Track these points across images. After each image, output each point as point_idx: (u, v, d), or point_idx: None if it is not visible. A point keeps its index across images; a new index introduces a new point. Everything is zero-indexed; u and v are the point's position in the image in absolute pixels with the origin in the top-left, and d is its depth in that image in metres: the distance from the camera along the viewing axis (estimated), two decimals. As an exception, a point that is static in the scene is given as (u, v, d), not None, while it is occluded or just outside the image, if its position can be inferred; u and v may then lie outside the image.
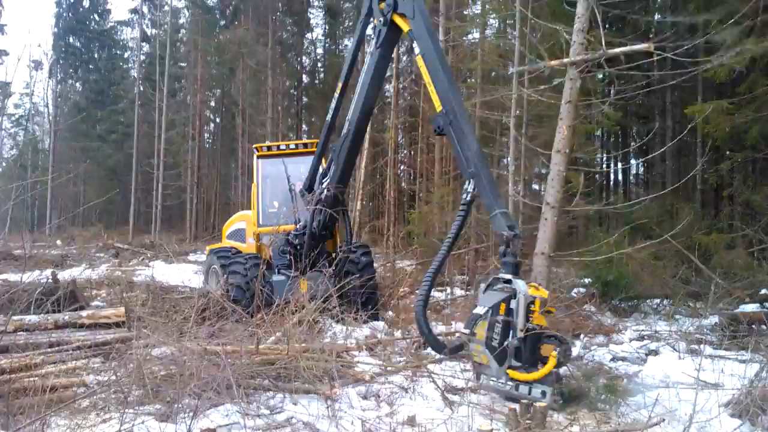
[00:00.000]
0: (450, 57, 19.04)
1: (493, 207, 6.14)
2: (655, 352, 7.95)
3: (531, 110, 14.53)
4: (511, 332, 5.34)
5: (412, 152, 28.71)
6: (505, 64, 19.37)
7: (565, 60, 8.56)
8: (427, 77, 7.26)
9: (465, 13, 23.19)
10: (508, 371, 5.27)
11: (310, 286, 9.49)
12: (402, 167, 30.11)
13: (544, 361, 5.33)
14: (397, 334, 8.58)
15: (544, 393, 5.09)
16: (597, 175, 28.87)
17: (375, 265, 11.22)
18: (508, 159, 15.58)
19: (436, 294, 11.53)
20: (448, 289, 11.73)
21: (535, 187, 26.26)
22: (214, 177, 39.15)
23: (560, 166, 8.23)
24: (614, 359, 7.70)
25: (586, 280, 11.61)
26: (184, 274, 13.58)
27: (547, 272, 8.09)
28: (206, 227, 36.71)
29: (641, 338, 8.89)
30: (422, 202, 21.61)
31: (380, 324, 9.10)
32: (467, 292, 11.86)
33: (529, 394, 5.17)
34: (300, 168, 11.39)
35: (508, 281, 5.53)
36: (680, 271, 11.40)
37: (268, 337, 7.21)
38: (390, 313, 10.00)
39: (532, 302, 5.39)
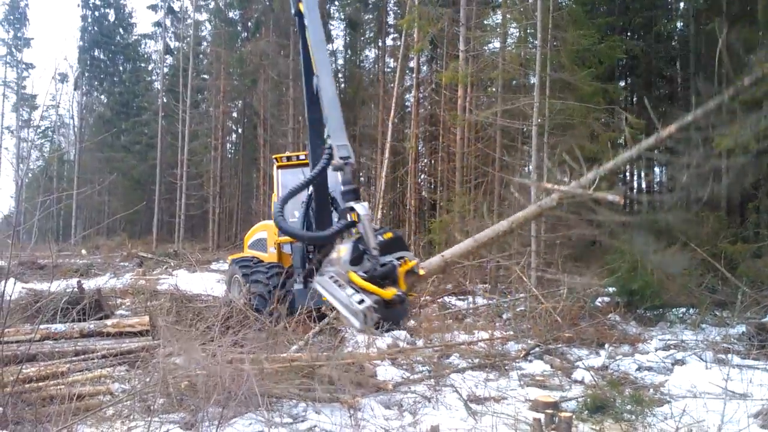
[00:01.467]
0: (470, 66, 19.05)
1: (333, 138, 5.90)
2: (682, 362, 7.82)
3: (553, 118, 14.44)
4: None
5: (433, 161, 28.70)
6: (525, 72, 19.33)
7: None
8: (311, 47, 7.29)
9: (485, 22, 23.19)
10: (350, 272, 5.02)
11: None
12: (422, 176, 30.10)
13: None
14: (419, 343, 8.54)
15: (362, 302, 4.76)
16: (620, 184, 28.65)
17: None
18: (530, 167, 15.50)
19: (457, 303, 11.47)
20: (470, 298, 11.65)
21: (558, 195, 26.11)
22: (236, 187, 39.45)
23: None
24: (640, 369, 7.60)
25: (611, 289, 11.47)
26: (207, 282, 13.67)
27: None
28: (228, 236, 36.96)
29: (667, 348, 8.75)
30: (443, 211, 21.54)
31: (402, 333, 9.07)
32: (489, 301, 11.78)
33: (349, 299, 4.82)
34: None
35: (351, 208, 5.33)
36: (706, 279, 11.21)
37: (290, 346, 7.23)
38: (411, 322, 9.96)
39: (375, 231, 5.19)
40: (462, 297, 11.89)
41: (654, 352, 8.38)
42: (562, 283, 10.74)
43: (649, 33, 25.07)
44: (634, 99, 27.38)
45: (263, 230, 11.91)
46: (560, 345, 8.56)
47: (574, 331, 8.90)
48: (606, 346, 8.61)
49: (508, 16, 20.33)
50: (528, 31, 20.18)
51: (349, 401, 5.49)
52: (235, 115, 40.78)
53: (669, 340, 9.20)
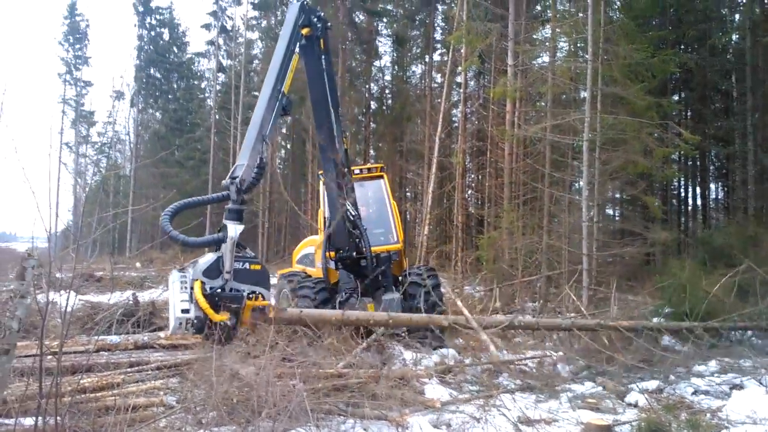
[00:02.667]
0: (519, 81, 18.91)
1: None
2: (740, 386, 7.50)
3: (605, 133, 14.17)
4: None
5: (480, 177, 28.51)
6: (576, 87, 19.07)
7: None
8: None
9: (534, 37, 23.02)
10: (197, 282, 5.19)
11: (377, 309, 9.54)
12: (470, 192, 29.91)
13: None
14: (467, 361, 8.43)
15: (186, 311, 5.05)
16: (674, 200, 27.86)
17: (443, 290, 11.12)
18: (581, 183, 15.23)
19: (501, 318, 11.29)
20: (519, 317, 11.45)
21: (609, 211, 25.58)
22: (284, 202, 40.02)
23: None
24: (696, 393, 7.31)
25: (665, 309, 11.10)
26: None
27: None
28: (277, 250, 37.46)
29: (724, 371, 8.39)
30: (491, 227, 21.34)
31: (449, 351, 8.97)
32: (539, 320, 11.54)
33: (179, 303, 5.09)
34: (367, 192, 11.50)
35: (223, 227, 5.61)
36: (766, 300, 10.73)
37: (338, 362, 7.23)
38: (459, 340, 9.84)
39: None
40: (509, 315, 11.69)
41: (711, 376, 8.06)
42: (613, 302, 10.47)
43: (703, 46, 24.46)
44: (689, 113, 26.68)
45: (311, 245, 12.01)
46: (613, 366, 8.30)
47: (627, 353, 8.63)
48: (661, 368, 8.31)
49: (558, 30, 20.14)
50: (578, 45, 19.94)
51: (396, 419, 5.45)
52: (284, 131, 41.46)
53: (726, 363, 8.82)
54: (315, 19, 7.91)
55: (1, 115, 3.67)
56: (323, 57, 8.39)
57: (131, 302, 9.48)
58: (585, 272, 12.66)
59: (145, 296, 11.85)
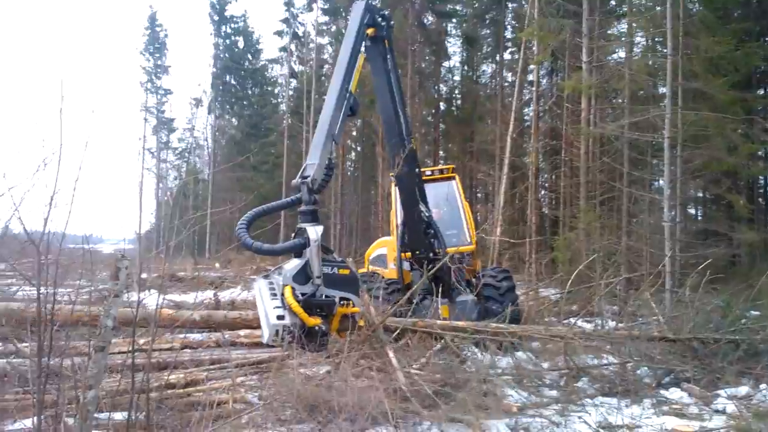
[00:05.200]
0: (594, 77, 18.42)
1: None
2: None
3: (686, 130, 13.58)
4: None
5: (554, 176, 27.91)
6: (654, 82, 18.43)
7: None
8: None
9: (609, 32, 22.36)
10: (287, 287, 4.91)
11: (452, 311, 9.48)
12: (543, 192, 29.32)
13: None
14: (545, 365, 8.24)
15: (281, 317, 4.72)
16: (761, 198, 26.34)
17: (517, 292, 10.94)
18: (662, 182, 14.68)
19: (584, 325, 10.97)
20: (599, 321, 11.10)
21: (691, 211, 24.48)
22: (355, 203, 40.47)
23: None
24: (789, 401, 6.88)
25: (754, 313, 10.49)
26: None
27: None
28: (349, 252, 37.89)
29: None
30: (567, 228, 20.84)
31: (525, 354, 8.79)
32: (619, 323, 11.18)
33: (271, 310, 4.79)
34: (438, 194, 11.47)
35: (303, 230, 5.26)
36: None
37: (413, 363, 7.23)
38: (536, 343, 9.64)
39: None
40: (589, 319, 11.34)
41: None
42: (698, 305, 9.98)
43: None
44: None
45: (383, 246, 12.07)
46: (698, 372, 7.92)
47: (712, 358, 8.21)
48: (750, 373, 7.86)
49: (634, 24, 19.51)
50: (656, 39, 19.29)
51: (473, 423, 5.39)
52: (354, 133, 41.90)
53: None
54: (379, 19, 7.92)
55: (94, 125, 3.86)
56: (388, 57, 8.41)
57: (213, 301, 9.79)
58: (668, 274, 12.19)
59: (225, 295, 12.21)
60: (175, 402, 5.69)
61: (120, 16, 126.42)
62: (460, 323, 8.02)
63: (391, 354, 6.25)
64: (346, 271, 5.31)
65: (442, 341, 7.99)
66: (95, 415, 3.89)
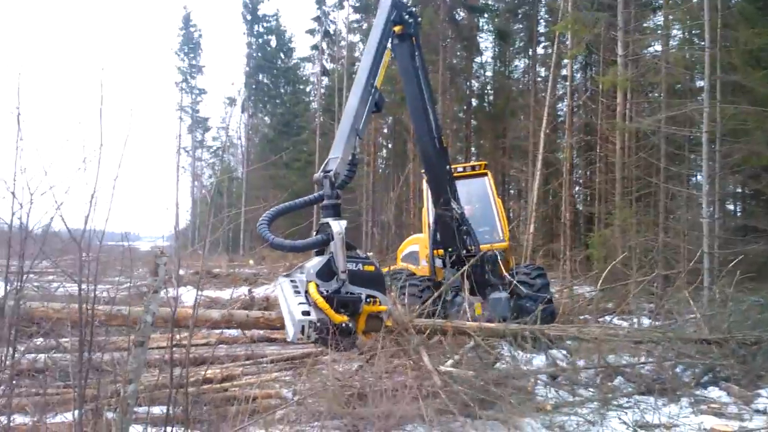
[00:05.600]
0: (630, 71, 18.11)
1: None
2: None
3: (725, 124, 13.27)
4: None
5: (589, 172, 27.52)
6: (692, 76, 18.03)
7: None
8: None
9: (644, 25, 21.94)
10: (311, 283, 4.82)
11: (485, 309, 9.42)
12: (577, 188, 28.94)
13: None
14: (580, 363, 8.13)
15: (307, 313, 4.58)
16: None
17: (551, 289, 10.83)
18: (700, 177, 14.38)
19: (619, 322, 10.81)
20: (634, 319, 10.93)
21: (730, 207, 23.88)
22: (387, 200, 40.48)
23: None
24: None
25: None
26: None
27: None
28: (381, 249, 37.94)
29: None
30: (602, 224, 20.55)
31: (560, 351, 8.70)
32: (655, 322, 11.00)
33: (296, 307, 4.67)
34: (470, 191, 11.41)
35: (327, 225, 5.18)
36: None
37: (446, 360, 7.21)
38: (569, 342, 9.53)
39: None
40: (625, 317, 11.18)
41: None
42: (735, 303, 9.76)
43: None
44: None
45: (415, 243, 12.07)
46: (738, 371, 7.73)
47: (752, 357, 8.01)
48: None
49: (671, 17, 19.12)
50: (693, 31, 18.91)
51: (508, 420, 5.36)
52: (385, 131, 41.92)
53: None
54: (407, 16, 7.87)
55: (133, 125, 3.94)
56: (416, 54, 8.36)
57: (248, 297, 9.92)
58: (706, 272, 11.94)
59: (259, 292, 12.37)
60: (212, 397, 5.79)
61: (155, 17, 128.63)
62: (490, 324, 7.96)
63: (425, 358, 6.24)
64: (371, 268, 5.24)
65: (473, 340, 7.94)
66: (134, 408, 3.98)
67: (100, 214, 3.92)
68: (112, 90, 3.90)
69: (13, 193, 3.85)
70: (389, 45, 7.24)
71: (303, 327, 4.57)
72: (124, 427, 3.49)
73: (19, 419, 4.75)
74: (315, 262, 5.02)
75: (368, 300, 5.05)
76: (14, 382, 4.41)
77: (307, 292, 4.79)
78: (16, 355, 4.06)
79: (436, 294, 8.91)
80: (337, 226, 5.04)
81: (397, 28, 7.64)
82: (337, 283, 4.92)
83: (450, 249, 9.91)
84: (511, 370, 7.22)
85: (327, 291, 4.84)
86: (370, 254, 5.75)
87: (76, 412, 4.05)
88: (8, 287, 4.08)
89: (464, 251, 9.76)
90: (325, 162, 5.71)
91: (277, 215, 5.51)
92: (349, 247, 5.19)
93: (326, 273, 4.92)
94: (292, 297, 4.79)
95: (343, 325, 4.76)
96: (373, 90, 6.60)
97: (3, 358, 3.81)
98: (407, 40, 8.03)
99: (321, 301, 4.68)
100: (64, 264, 5.01)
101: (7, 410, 4.04)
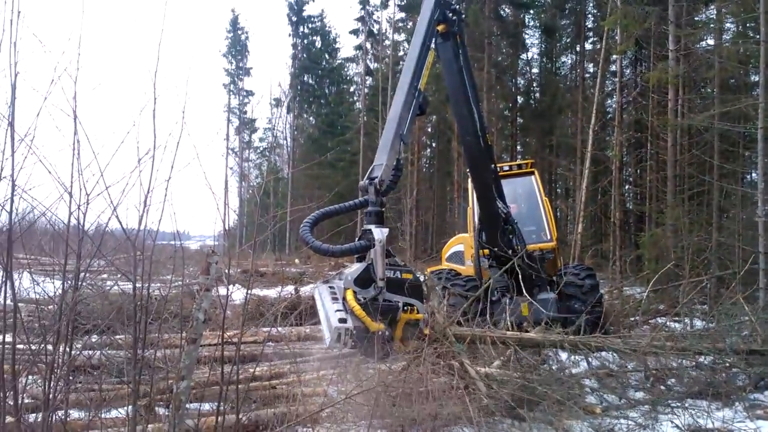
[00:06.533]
0: (681, 66, 17.61)
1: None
2: None
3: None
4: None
5: (639, 170, 26.86)
6: (746, 70, 17.41)
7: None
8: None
9: (696, 19, 21.30)
10: (348, 290, 4.82)
11: (532, 309, 9.30)
12: (627, 187, 28.28)
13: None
14: (630, 365, 7.95)
15: (343, 321, 4.60)
16: None
17: (600, 290, 10.61)
18: (756, 175, 13.86)
19: (673, 325, 10.52)
20: (686, 320, 10.62)
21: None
22: (431, 199, 40.37)
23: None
24: None
25: None
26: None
27: None
28: (425, 248, 37.87)
29: None
30: (653, 224, 20.03)
31: (609, 354, 8.51)
32: (708, 323, 10.67)
33: (333, 313, 4.71)
34: (517, 189, 11.28)
35: (368, 231, 5.17)
36: None
37: (492, 361, 7.16)
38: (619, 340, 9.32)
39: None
40: (677, 318, 10.87)
41: None
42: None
43: None
44: None
45: (460, 243, 12.01)
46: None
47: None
48: None
49: (724, 9, 18.48)
50: (748, 24, 18.27)
51: (556, 423, 5.28)
52: (429, 130, 41.79)
53: None
54: (450, 14, 7.79)
55: (183, 127, 4.03)
56: (460, 52, 8.26)
57: (294, 296, 10.03)
58: (761, 272, 11.50)
59: (306, 290, 12.49)
60: (260, 394, 5.88)
61: (204, 19, 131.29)
62: (529, 334, 7.83)
63: (467, 365, 6.20)
64: (410, 276, 5.26)
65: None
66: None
67: (153, 214, 4.03)
68: (164, 92, 3.99)
69: (70, 194, 3.96)
70: (432, 45, 7.19)
71: (339, 334, 4.64)
72: (177, 423, 3.57)
73: (74, 414, 4.91)
74: (354, 269, 5.08)
75: (405, 308, 5.08)
76: (71, 378, 4.55)
77: (344, 299, 4.86)
78: (72, 352, 4.19)
79: (476, 294, 8.85)
80: (379, 233, 5.08)
81: (440, 27, 7.58)
82: (375, 290, 4.96)
83: (495, 249, 9.80)
84: (558, 373, 7.12)
85: (364, 298, 4.88)
86: (406, 263, 5.71)
87: (130, 407, 4.16)
88: (66, 285, 4.21)
89: (509, 251, 9.63)
90: (370, 169, 5.72)
91: (321, 219, 5.58)
92: (388, 254, 5.23)
93: (364, 280, 4.98)
94: (329, 303, 4.88)
95: (379, 332, 4.79)
96: (416, 93, 6.58)
97: (61, 354, 3.94)
98: (451, 38, 7.95)
99: (358, 309, 4.73)
100: (118, 263, 5.16)
101: (64, 405, 4.17)
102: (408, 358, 6.28)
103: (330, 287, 5.06)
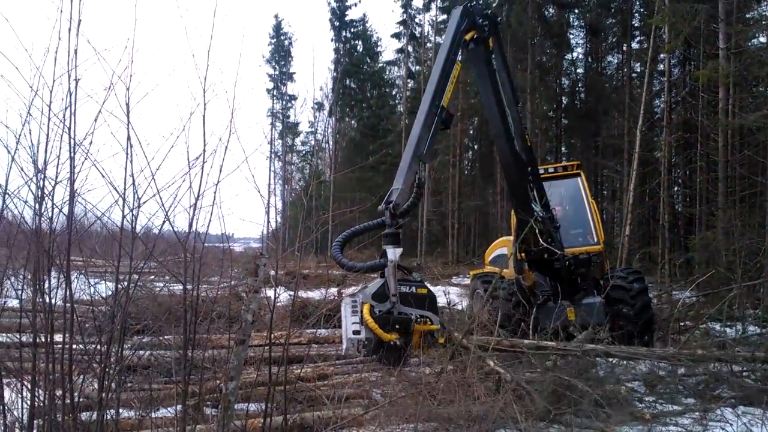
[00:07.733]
0: (732, 65, 17.09)
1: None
2: None
3: None
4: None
5: (689, 172, 26.14)
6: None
7: None
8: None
9: (747, 16, 20.66)
10: (366, 305, 5.34)
11: (578, 314, 9.15)
12: (676, 189, 27.54)
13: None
14: (680, 371, 7.75)
15: (357, 332, 5.16)
16: None
17: (649, 294, 10.35)
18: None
19: (725, 329, 10.20)
20: (739, 326, 10.28)
21: None
22: (474, 202, 40.11)
23: None
24: None
25: None
26: (450, 296, 13.98)
27: None
28: (467, 251, 37.64)
29: None
30: (704, 227, 19.47)
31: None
32: (763, 329, 10.33)
33: (350, 325, 5.26)
34: (562, 192, 11.11)
35: (384, 252, 5.64)
36: None
37: (537, 365, 7.07)
38: (670, 348, 9.09)
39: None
40: (730, 324, 10.53)
41: None
42: None
43: None
44: None
45: (503, 246, 11.90)
46: None
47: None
48: None
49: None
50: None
51: (605, 429, 5.19)
52: (471, 132, 41.55)
53: None
54: (480, 20, 7.66)
55: (232, 132, 4.11)
56: (493, 57, 8.08)
57: (336, 297, 10.10)
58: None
59: (348, 292, 12.56)
60: (306, 395, 5.95)
61: (248, 25, 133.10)
62: (546, 342, 7.69)
63: (506, 373, 6.16)
64: (424, 291, 5.75)
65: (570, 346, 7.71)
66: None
67: (203, 217, 4.12)
68: (212, 97, 4.06)
69: (123, 198, 4.08)
70: (459, 57, 7.16)
71: (352, 344, 5.30)
72: (226, 423, 3.64)
73: (125, 413, 5.05)
74: (373, 285, 5.64)
75: (419, 319, 5.55)
76: (121, 378, 4.69)
77: (361, 312, 5.38)
78: (124, 352, 4.31)
79: (513, 300, 8.88)
80: (392, 254, 5.59)
81: (468, 36, 7.48)
82: (389, 304, 5.46)
83: (531, 252, 9.66)
84: (607, 377, 7.00)
85: (380, 311, 5.39)
86: (419, 277, 6.15)
87: (179, 407, 4.25)
88: (118, 287, 4.34)
89: (545, 255, 9.47)
90: (389, 193, 6.01)
91: (350, 238, 6.27)
92: (405, 270, 5.84)
93: (382, 295, 5.50)
94: (349, 316, 5.41)
95: (392, 342, 5.30)
96: (438, 110, 6.64)
97: (112, 354, 4.06)
98: (481, 44, 7.80)
99: (371, 322, 5.25)
100: (168, 264, 5.28)
101: (114, 405, 4.29)
102: (443, 362, 6.32)
103: (353, 301, 5.54)
